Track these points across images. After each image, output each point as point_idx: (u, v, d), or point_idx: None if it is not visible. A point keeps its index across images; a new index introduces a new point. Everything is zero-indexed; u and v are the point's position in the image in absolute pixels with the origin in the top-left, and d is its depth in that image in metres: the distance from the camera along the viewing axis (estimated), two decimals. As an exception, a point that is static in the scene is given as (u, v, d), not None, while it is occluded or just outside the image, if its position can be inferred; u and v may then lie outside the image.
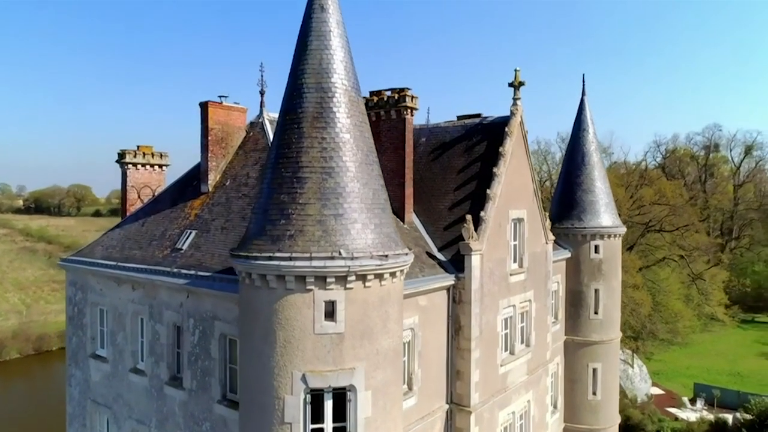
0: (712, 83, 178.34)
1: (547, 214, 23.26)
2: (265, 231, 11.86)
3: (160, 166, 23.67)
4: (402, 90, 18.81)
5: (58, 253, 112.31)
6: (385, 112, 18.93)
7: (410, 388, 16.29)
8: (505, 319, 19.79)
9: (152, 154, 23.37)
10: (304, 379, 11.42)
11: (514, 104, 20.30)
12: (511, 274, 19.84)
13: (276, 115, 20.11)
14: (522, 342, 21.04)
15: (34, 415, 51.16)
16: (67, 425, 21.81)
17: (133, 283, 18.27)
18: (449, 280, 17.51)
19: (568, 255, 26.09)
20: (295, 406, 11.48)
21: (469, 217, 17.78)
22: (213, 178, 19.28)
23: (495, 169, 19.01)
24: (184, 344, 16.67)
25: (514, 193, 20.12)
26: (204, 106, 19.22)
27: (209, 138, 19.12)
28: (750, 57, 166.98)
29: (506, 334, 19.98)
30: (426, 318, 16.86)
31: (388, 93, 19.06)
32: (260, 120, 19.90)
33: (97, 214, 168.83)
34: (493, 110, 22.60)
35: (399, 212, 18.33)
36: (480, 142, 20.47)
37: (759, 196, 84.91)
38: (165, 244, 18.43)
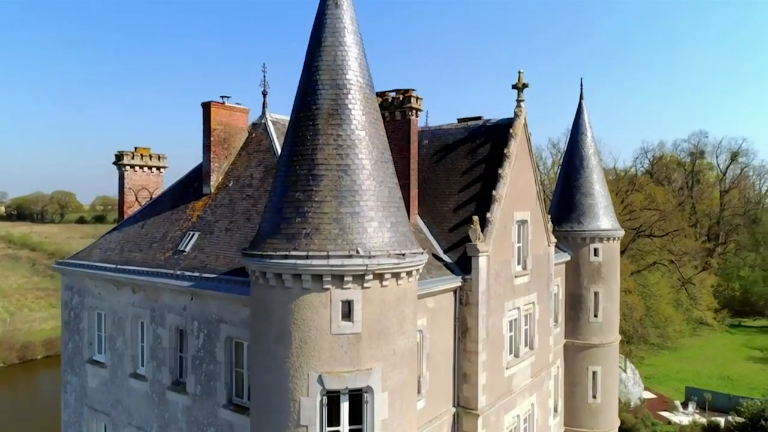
0: (700, 90, 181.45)
1: (548, 217, 23.25)
2: (280, 229, 11.63)
3: (158, 168, 23.31)
4: (407, 91, 18.72)
5: (43, 260, 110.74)
6: (390, 113, 18.80)
7: (419, 391, 16.08)
8: (510, 322, 19.69)
9: (150, 156, 23.00)
10: (320, 380, 11.18)
11: (518, 106, 20.28)
12: (515, 276, 19.77)
13: (279, 116, 19.96)
14: (526, 345, 20.94)
15: (18, 426, 49.92)
16: (62, 433, 21.27)
17: (134, 286, 17.88)
18: (456, 281, 17.38)
19: (568, 258, 26.11)
20: (311, 408, 11.23)
21: (476, 218, 17.69)
22: (215, 179, 18.98)
23: (500, 171, 18.95)
24: (187, 348, 16.32)
25: (518, 195, 20.08)
26: (206, 107, 18.95)
27: (212, 139, 18.84)
28: (736, 66, 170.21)
29: (511, 337, 19.88)
30: (433, 320, 16.69)
31: (393, 94, 18.96)
32: (263, 121, 19.67)
33: (81, 221, 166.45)
34: (487, 114, 22.47)
35: (404, 214, 18.16)
36: (483, 144, 20.42)
37: (744, 202, 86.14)
38: (166, 246, 18.08)
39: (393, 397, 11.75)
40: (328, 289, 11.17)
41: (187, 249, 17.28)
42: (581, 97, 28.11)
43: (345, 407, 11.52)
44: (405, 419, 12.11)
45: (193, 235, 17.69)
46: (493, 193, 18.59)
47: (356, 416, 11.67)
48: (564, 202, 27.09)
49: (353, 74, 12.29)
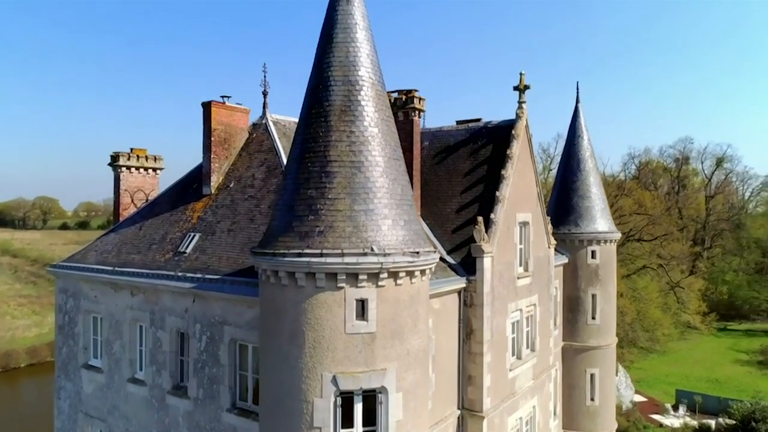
0: (688, 97, 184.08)
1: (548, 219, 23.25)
2: (292, 227, 11.42)
3: (155, 169, 22.95)
4: (410, 91, 18.64)
5: (25, 267, 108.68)
6: (393, 114, 18.65)
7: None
8: (513, 323, 19.60)
9: (146, 158, 22.64)
10: (334, 381, 10.96)
11: (520, 107, 20.28)
12: (518, 278, 19.70)
13: (279, 117, 19.74)
14: (527, 347, 20.87)
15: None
16: (55, 441, 20.72)
17: (132, 288, 17.51)
18: (461, 282, 17.26)
19: (566, 260, 26.14)
20: (325, 409, 10.99)
21: (480, 218, 17.61)
22: (216, 180, 18.70)
23: (503, 172, 18.90)
24: (189, 351, 15.99)
25: (520, 196, 20.05)
26: (207, 106, 18.69)
27: (212, 139, 18.56)
28: (723, 74, 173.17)
29: (513, 338, 19.79)
30: (439, 321, 16.54)
31: (395, 94, 18.86)
32: (263, 121, 19.43)
33: (64, 227, 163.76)
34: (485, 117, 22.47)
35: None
36: (485, 145, 20.38)
37: (728, 207, 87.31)
38: (166, 248, 17.74)
39: (407, 397, 11.56)
40: (342, 287, 10.97)
41: (188, 250, 16.97)
42: (577, 101, 28.22)
43: (359, 408, 11.30)
44: (419, 420, 11.92)
45: (193, 236, 17.38)
46: (497, 193, 18.53)
47: (369, 418, 11.46)
48: (561, 205, 27.15)
49: (365, 71, 12.15)
